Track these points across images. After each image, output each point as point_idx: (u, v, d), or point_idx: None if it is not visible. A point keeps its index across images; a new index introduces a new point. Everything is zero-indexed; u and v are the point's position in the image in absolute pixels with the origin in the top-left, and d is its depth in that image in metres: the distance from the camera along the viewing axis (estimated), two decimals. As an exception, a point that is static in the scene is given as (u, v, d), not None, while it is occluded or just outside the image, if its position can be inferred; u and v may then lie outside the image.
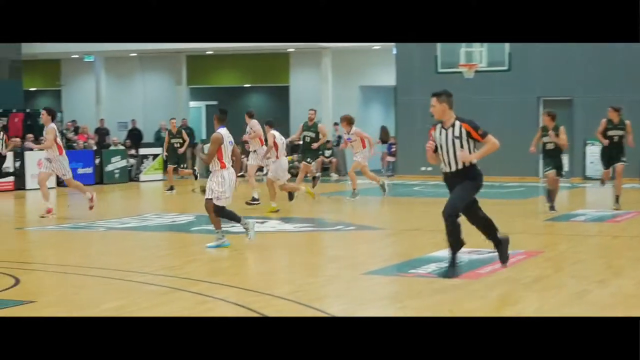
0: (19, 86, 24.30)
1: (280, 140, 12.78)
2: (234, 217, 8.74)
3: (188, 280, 6.79)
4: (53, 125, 11.78)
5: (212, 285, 6.72)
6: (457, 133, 6.27)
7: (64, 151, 11.93)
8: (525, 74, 20.93)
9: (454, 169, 6.28)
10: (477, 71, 19.82)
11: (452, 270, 6.50)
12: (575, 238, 10.22)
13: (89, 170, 18.27)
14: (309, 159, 14.53)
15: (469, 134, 6.26)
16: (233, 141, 8.72)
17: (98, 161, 18.81)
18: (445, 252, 6.93)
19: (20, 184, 16.71)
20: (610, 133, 11.58)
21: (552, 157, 11.48)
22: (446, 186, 6.53)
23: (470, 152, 6.26)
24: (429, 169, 19.45)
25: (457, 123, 6.34)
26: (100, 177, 18.44)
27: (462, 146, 6.23)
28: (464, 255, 7.47)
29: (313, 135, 14.34)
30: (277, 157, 12.48)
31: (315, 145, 14.32)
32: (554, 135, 11.66)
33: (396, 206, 15.40)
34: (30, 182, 16.45)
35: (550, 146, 11.76)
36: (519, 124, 21.24)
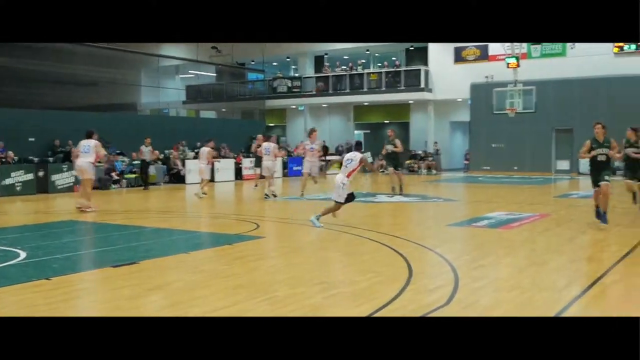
0: (264, 123, 36.33)
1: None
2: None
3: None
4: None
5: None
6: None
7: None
8: (545, 114, 29.20)
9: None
10: (516, 113, 28.22)
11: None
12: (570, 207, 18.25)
13: (300, 167, 26.85)
14: (396, 166, 18.00)
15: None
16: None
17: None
18: (493, 214, 12.55)
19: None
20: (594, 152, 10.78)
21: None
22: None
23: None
24: (488, 167, 31.49)
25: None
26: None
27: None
28: (503, 216, 12.29)
29: (393, 147, 17.91)
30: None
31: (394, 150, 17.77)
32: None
33: (467, 188, 22.13)
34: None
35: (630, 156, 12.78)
36: (539, 143, 30.43)
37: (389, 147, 17.87)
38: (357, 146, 11.89)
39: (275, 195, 17.42)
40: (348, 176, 11.24)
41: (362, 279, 7.07)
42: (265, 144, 17.91)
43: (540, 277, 7.16)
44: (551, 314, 5.60)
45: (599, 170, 10.89)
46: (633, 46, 29.37)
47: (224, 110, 39.26)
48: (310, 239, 10.27)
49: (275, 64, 40.42)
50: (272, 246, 9.69)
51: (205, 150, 18.75)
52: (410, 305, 5.88)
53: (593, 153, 10.75)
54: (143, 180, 22.71)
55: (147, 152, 22.47)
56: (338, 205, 11.20)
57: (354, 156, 11.34)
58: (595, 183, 10.94)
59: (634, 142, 12.73)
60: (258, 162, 19.45)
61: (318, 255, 8.77)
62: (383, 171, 22.15)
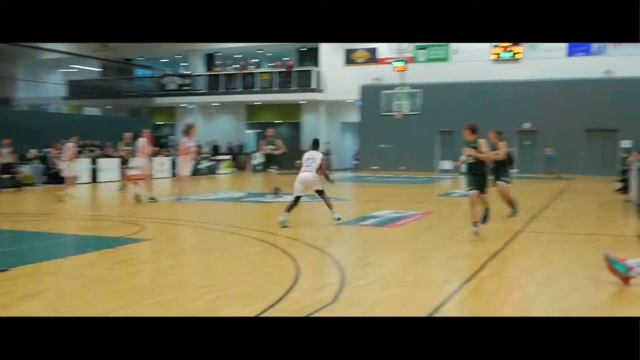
0: (152, 121, 35.34)
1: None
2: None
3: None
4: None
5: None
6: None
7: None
8: (430, 116, 30.30)
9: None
10: (403, 115, 29.47)
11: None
12: (451, 205, 20.35)
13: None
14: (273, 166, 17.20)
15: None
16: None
17: (194, 162, 31.59)
18: (379, 212, 14.08)
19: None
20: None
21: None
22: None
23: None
24: (377, 167, 31.94)
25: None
26: (195, 172, 29.82)
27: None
28: (390, 214, 12.30)
29: (273, 147, 17.26)
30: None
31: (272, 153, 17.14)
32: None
33: (356, 188, 22.37)
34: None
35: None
36: (425, 144, 31.60)
37: (269, 148, 17.28)
38: (315, 145, 11.83)
39: (146, 199, 15.61)
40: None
41: (249, 280, 7.04)
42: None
43: (422, 273, 7.41)
44: (432, 308, 5.80)
45: (468, 173, 10.24)
46: (510, 54, 31.09)
47: (109, 107, 37.90)
48: (196, 241, 10.11)
49: (164, 60, 39.58)
50: (157, 249, 9.45)
51: (67, 146, 17.36)
52: (297, 305, 5.92)
53: (462, 159, 10.50)
54: (15, 182, 21.26)
55: (6, 154, 20.99)
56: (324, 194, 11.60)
57: (316, 155, 11.49)
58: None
59: (494, 145, 12.48)
60: (128, 163, 17.67)
61: (204, 257, 8.64)
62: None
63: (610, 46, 29.19)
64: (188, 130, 16.18)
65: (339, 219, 11.46)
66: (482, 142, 9.79)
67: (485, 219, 10.47)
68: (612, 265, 6.80)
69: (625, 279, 6.72)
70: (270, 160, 17.45)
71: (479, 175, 10.03)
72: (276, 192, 16.80)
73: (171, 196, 16.97)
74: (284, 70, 34.80)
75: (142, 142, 15.97)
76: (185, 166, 16.21)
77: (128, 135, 18.76)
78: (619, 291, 6.53)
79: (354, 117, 34.45)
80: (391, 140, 32.62)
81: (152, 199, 15.58)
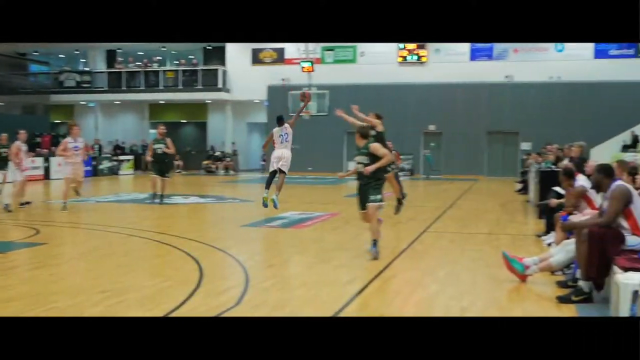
0: (48, 119, 34.31)
1: None
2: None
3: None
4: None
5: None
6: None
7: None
8: (336, 117, 32.99)
9: None
10: (311, 115, 28.55)
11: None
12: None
13: (89, 168, 26.14)
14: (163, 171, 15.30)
15: None
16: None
17: (94, 163, 28.33)
18: (286, 214, 12.12)
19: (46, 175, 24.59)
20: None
21: None
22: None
23: None
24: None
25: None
26: (96, 172, 28.10)
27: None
28: (296, 215, 12.21)
29: (163, 146, 15.19)
30: None
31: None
32: None
33: (263, 189, 23.66)
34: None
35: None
36: (332, 144, 31.55)
37: (159, 147, 15.19)
38: (280, 120, 11.40)
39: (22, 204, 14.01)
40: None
41: (151, 284, 6.81)
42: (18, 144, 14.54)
43: (326, 274, 7.39)
44: (336, 308, 5.78)
45: (359, 187, 8.52)
46: (415, 57, 31.83)
47: (1, 104, 35.89)
48: (95, 244, 9.70)
49: (62, 56, 38.00)
50: (53, 253, 8.98)
51: None
52: (200, 308, 5.76)
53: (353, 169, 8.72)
54: None
55: None
56: (284, 175, 11.06)
57: (286, 128, 11.17)
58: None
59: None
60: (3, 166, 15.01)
61: (103, 261, 8.29)
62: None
63: (511, 51, 30.44)
64: (70, 130, 14.33)
65: (276, 207, 10.98)
66: (376, 147, 8.39)
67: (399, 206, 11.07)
68: (510, 263, 7.02)
69: (523, 277, 6.96)
70: (161, 162, 15.41)
71: (378, 183, 8.43)
72: (155, 197, 15.27)
73: (57, 199, 15.48)
74: (190, 68, 34.16)
75: (16, 144, 14.47)
76: (70, 168, 13.93)
77: (4, 136, 15.97)
78: (516, 288, 6.75)
79: (261, 117, 34.22)
80: (299, 141, 32.48)
81: (24, 204, 14.05)
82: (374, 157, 8.29)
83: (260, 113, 34.27)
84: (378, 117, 11.55)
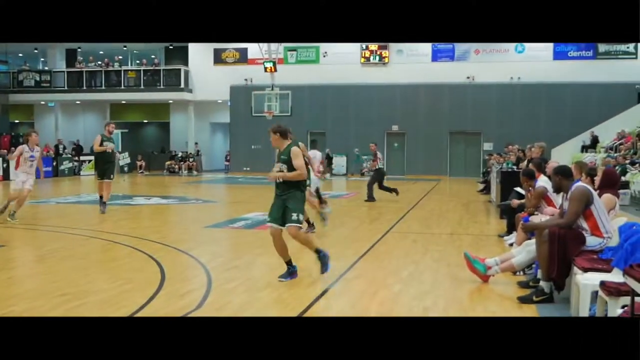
0: (7, 119, 33.73)
1: None
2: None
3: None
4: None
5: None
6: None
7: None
8: (299, 117, 29.19)
9: None
10: (273, 116, 27.73)
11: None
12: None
13: (49, 168, 26.72)
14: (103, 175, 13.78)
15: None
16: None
17: (55, 163, 28.04)
18: (249, 215, 13.60)
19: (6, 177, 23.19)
20: None
21: None
22: None
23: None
24: (248, 169, 31.17)
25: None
26: (56, 173, 27.85)
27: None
28: (261, 216, 11.00)
29: (113, 145, 14.02)
30: None
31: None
32: None
33: (227, 189, 22.33)
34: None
35: None
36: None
37: (109, 145, 13.76)
38: (314, 144, 11.86)
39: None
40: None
41: (111, 287, 6.69)
42: None
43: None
44: (300, 309, 5.75)
45: (280, 195, 7.18)
46: (378, 57, 31.97)
47: (-44, 104, 35.04)
48: (55, 247, 9.50)
49: (20, 55, 37.23)
50: (11, 256, 8.78)
51: None
52: (162, 311, 5.68)
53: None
54: None
55: None
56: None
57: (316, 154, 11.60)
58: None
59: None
60: None
61: (63, 263, 8.12)
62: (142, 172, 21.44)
63: (472, 52, 30.77)
64: (27, 137, 12.87)
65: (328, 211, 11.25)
66: (296, 152, 7.04)
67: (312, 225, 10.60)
68: (472, 264, 7.08)
69: (485, 278, 7.02)
70: (108, 162, 13.92)
71: (297, 195, 7.12)
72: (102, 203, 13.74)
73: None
74: (151, 68, 33.76)
75: None
76: (20, 179, 12.40)
77: None
78: (478, 289, 6.81)
79: (224, 117, 34.03)
80: (262, 141, 32.46)
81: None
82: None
83: (223, 113, 34.12)
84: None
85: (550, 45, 29.68)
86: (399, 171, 30.63)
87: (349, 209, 14.93)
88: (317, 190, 11.61)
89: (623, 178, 15.69)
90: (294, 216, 6.97)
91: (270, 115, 29.04)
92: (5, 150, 27.20)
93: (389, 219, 12.86)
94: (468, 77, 30.60)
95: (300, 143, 7.97)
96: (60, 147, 32.01)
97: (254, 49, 32.24)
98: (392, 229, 11.50)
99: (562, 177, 6.38)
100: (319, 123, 31.23)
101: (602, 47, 29.76)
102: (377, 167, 17.15)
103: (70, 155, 30.88)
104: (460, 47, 30.97)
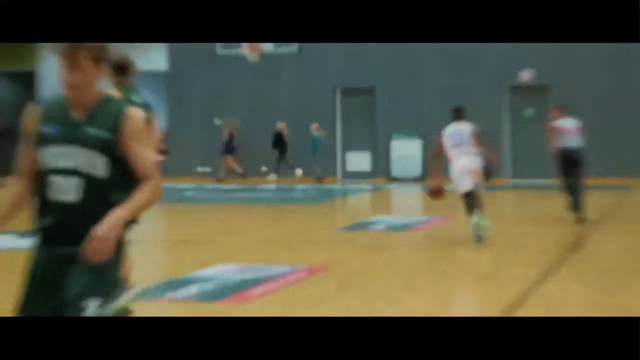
0: None
1: None
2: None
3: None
4: None
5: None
6: None
7: None
8: (318, 58, 16.55)
9: None
10: (262, 54, 15.24)
11: None
12: (370, 249, 8.13)
13: None
14: None
15: None
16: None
17: None
18: (211, 270, 6.12)
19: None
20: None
21: None
22: None
23: None
24: (207, 169, 17.14)
25: None
26: None
27: None
28: (234, 273, 6.19)
29: None
30: None
31: None
32: None
33: (168, 214, 11.84)
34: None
35: None
36: (318, 113, 16.81)
37: None
38: (458, 113, 8.37)
39: None
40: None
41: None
42: None
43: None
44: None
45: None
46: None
47: None
48: None
49: None
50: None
51: None
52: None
53: None
54: None
55: None
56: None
57: (463, 128, 8.17)
58: None
59: None
60: None
61: None
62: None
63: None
64: None
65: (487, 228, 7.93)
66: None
67: None
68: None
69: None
70: None
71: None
72: None
73: None
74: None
75: None
76: None
77: None
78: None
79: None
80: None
81: None
82: None
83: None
84: None
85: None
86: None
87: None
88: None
89: None
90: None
91: (256, 55, 15.62)
92: None
93: (514, 276, 6.67)
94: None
95: None
96: None
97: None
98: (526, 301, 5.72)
99: None
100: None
101: None
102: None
103: None
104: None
